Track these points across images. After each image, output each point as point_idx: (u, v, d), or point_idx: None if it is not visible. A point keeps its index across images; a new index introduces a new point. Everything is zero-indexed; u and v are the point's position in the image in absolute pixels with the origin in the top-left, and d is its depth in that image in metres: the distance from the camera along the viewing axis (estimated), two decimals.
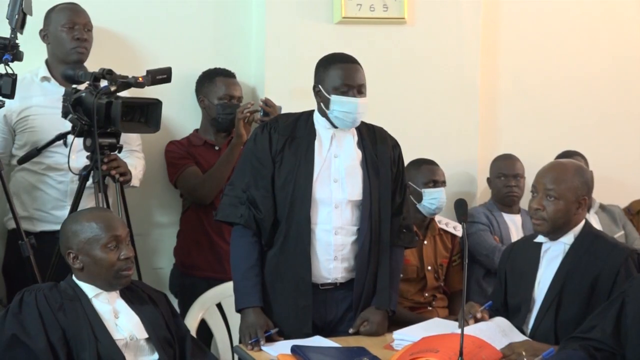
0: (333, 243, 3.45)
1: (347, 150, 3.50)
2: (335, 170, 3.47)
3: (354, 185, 3.47)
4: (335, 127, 3.49)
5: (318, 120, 3.53)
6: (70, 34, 4.02)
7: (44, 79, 4.08)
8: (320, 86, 3.46)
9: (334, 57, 3.50)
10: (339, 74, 3.42)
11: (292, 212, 3.42)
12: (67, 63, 4.02)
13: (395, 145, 3.62)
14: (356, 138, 3.54)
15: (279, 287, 3.45)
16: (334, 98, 3.41)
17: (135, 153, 4.21)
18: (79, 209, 3.68)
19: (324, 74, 3.46)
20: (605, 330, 2.93)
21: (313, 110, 3.56)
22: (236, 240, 3.50)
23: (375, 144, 3.56)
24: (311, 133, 3.49)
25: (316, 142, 3.48)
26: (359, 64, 3.46)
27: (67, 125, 3.73)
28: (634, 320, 2.88)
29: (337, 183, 3.46)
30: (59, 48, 4.05)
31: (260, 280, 3.44)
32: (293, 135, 3.48)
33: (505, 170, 4.81)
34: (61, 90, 3.89)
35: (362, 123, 3.57)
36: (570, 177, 3.32)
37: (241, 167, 3.55)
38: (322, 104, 3.48)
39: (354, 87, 3.41)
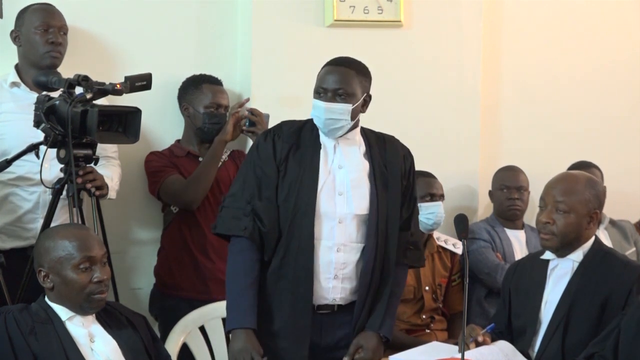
0: (334, 261, 3.32)
1: (353, 161, 3.39)
2: (340, 182, 3.36)
3: (360, 198, 3.35)
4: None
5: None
6: (44, 37, 3.95)
7: (14, 84, 4.01)
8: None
9: (329, 60, 3.44)
10: (319, 76, 3.36)
11: (294, 225, 3.30)
12: (39, 68, 3.93)
13: (406, 156, 3.50)
14: (363, 148, 3.43)
15: (277, 306, 3.34)
16: (313, 101, 3.35)
17: (111, 160, 4.13)
18: (52, 224, 3.61)
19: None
20: None
21: None
22: (236, 254, 3.35)
23: (385, 154, 3.44)
24: (316, 142, 3.39)
25: (322, 152, 3.38)
26: (346, 66, 3.37)
27: (38, 132, 3.66)
28: (624, 350, 2.89)
29: (342, 196, 3.34)
30: (31, 51, 3.98)
31: (256, 302, 3.31)
32: (298, 144, 3.39)
33: (507, 182, 4.74)
34: (32, 95, 3.82)
35: (371, 132, 3.49)
36: (581, 189, 3.29)
37: (243, 177, 3.42)
38: None
39: (327, 90, 3.32)
